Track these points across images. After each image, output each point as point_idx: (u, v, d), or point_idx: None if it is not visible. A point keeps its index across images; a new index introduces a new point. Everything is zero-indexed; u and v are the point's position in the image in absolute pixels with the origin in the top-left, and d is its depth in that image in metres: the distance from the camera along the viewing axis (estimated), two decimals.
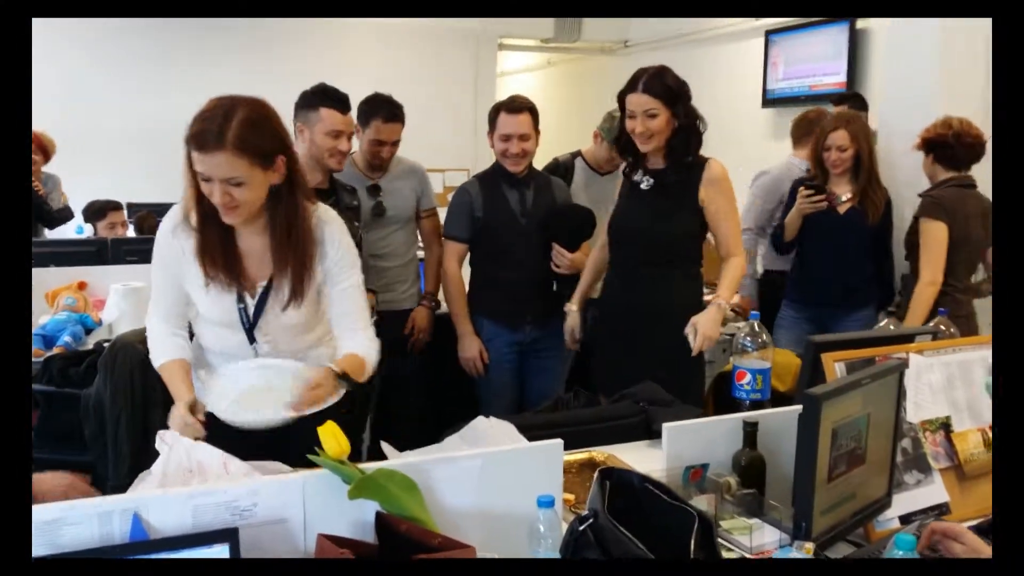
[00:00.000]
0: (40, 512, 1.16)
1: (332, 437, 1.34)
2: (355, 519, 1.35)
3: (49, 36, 5.92)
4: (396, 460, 1.45)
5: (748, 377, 2.17)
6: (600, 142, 3.41)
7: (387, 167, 3.25)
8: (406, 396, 3.31)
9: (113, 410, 2.62)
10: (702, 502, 1.54)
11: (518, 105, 3.04)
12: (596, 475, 1.36)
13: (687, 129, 2.58)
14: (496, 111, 3.07)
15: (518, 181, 3.08)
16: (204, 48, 6.53)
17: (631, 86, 2.58)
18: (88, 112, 6.27)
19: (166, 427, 1.76)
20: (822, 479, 1.49)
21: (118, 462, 2.60)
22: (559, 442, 1.50)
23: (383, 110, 3.14)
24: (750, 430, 1.67)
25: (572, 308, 2.96)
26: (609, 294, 2.82)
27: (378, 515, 1.34)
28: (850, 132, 3.30)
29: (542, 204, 3.11)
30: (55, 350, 3.03)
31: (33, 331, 3.11)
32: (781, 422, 1.69)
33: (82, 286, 3.48)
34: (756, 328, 2.19)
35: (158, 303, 2.01)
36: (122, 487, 2.05)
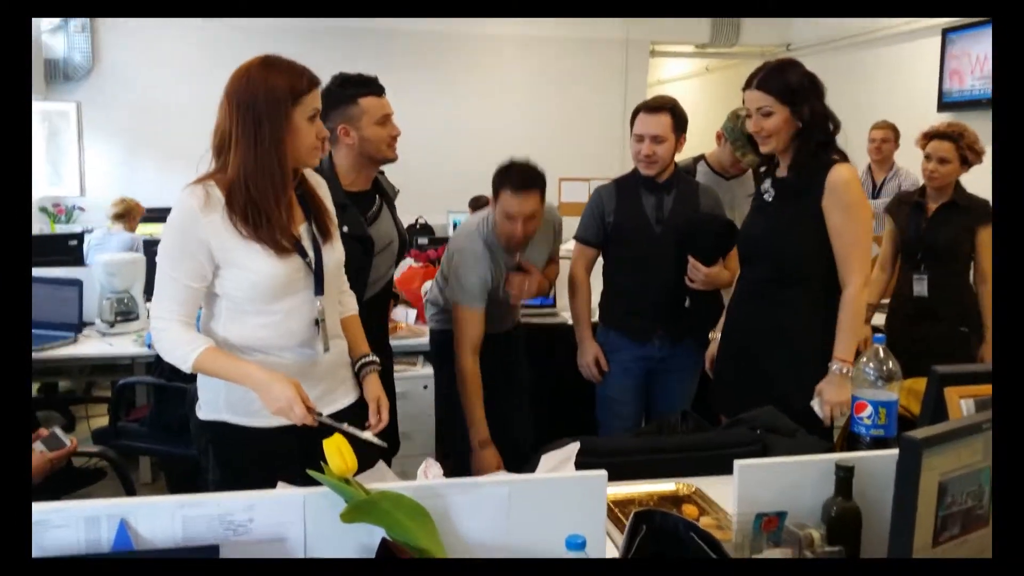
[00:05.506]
0: None
1: (337, 452, 1.22)
2: (360, 543, 1.23)
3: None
4: (410, 483, 1.31)
5: (869, 410, 1.87)
6: (724, 143, 3.14)
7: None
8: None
9: None
10: (775, 557, 1.30)
11: (657, 104, 2.81)
12: (631, 518, 1.17)
13: (810, 130, 2.30)
14: (636, 110, 2.86)
15: (658, 186, 2.83)
16: (356, 57, 6.70)
17: (747, 82, 2.36)
18: None
19: None
20: (924, 542, 1.22)
21: None
22: (603, 473, 1.30)
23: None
24: (844, 475, 1.39)
25: (717, 337, 2.65)
26: (731, 310, 2.58)
27: (383, 542, 1.20)
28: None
29: (683, 212, 2.84)
30: None
31: None
32: (884, 467, 1.40)
33: None
34: (881, 354, 1.89)
35: (179, 298, 1.78)
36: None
